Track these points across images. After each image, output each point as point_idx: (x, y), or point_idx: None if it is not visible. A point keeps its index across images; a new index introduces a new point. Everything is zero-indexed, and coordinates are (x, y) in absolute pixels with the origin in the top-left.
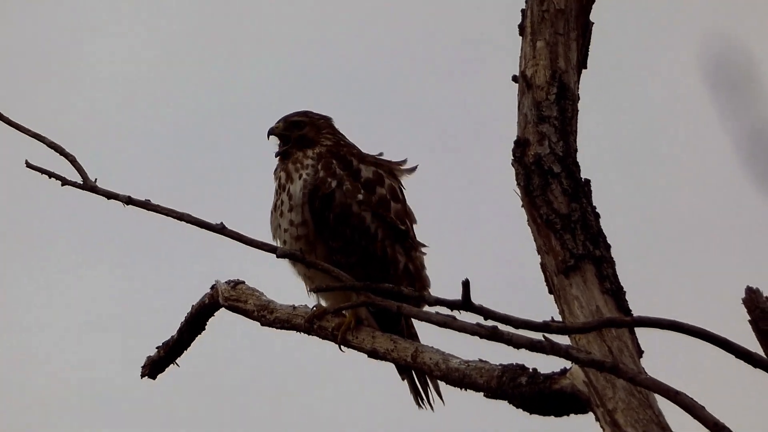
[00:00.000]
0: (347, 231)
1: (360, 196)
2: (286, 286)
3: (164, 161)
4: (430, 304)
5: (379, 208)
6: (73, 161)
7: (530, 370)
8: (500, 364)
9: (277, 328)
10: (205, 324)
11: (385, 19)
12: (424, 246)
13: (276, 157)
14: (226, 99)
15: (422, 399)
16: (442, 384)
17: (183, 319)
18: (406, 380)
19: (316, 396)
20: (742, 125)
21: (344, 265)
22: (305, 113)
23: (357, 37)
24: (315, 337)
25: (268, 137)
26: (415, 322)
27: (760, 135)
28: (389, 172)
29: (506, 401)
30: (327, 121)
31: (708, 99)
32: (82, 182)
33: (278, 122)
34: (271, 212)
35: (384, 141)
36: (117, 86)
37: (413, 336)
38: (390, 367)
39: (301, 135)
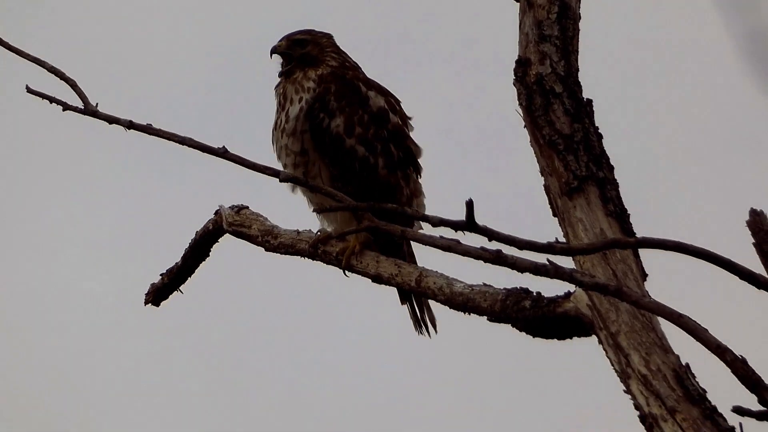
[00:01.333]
0: (345, 161)
1: (359, 129)
2: (290, 210)
3: (165, 85)
4: (434, 225)
5: (394, 138)
6: (73, 86)
7: (534, 294)
8: (504, 288)
9: (281, 253)
10: (210, 250)
11: None
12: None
13: (279, 77)
14: (227, 20)
15: (421, 325)
16: (445, 309)
17: (187, 245)
18: (406, 305)
19: (320, 321)
20: (744, 28)
21: (345, 193)
22: (308, 31)
23: None
24: (319, 262)
25: (271, 56)
26: (416, 247)
27: (762, 37)
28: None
29: (510, 325)
30: (329, 38)
31: (710, 6)
32: (83, 107)
33: (281, 40)
34: (272, 131)
35: (386, 63)
36: (117, 11)
37: (414, 261)
38: (392, 292)
39: (304, 53)
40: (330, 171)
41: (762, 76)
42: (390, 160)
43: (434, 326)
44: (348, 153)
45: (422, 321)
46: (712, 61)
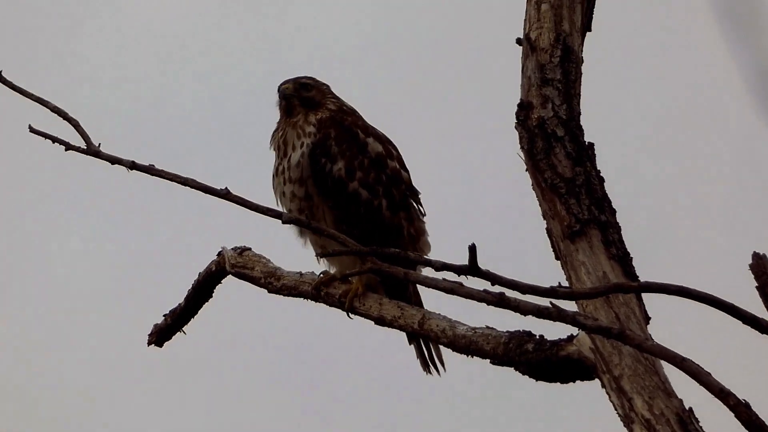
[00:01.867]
0: (349, 204)
1: (360, 173)
2: (293, 252)
3: (168, 126)
4: (437, 269)
5: (392, 183)
6: (76, 126)
7: (537, 337)
8: (507, 331)
9: (284, 295)
10: (212, 291)
11: None
12: (423, 215)
13: (284, 108)
14: (231, 65)
15: (429, 365)
16: (449, 351)
17: (190, 286)
18: (413, 345)
19: (324, 363)
20: (752, 65)
21: (349, 234)
22: (311, 77)
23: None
24: (322, 305)
25: (282, 99)
26: (420, 289)
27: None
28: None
29: (513, 368)
30: (328, 87)
31: (718, 41)
32: (85, 147)
33: (286, 83)
34: (273, 176)
35: (387, 105)
36: (121, 51)
37: (419, 304)
38: (398, 334)
39: (309, 97)
40: (334, 214)
41: None
42: (392, 202)
43: (442, 364)
44: (351, 196)
45: (430, 360)
46: (717, 103)
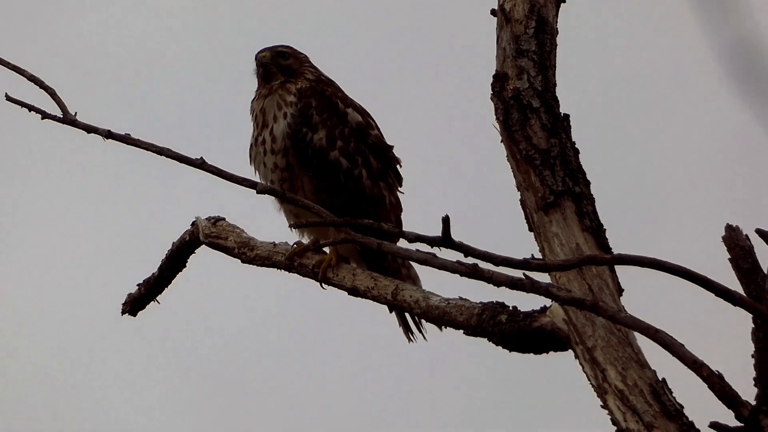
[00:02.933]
0: (331, 175)
1: (340, 143)
2: (267, 222)
3: (144, 95)
4: (410, 241)
5: (373, 152)
6: (52, 94)
7: (510, 308)
8: (480, 302)
9: (257, 265)
10: (186, 261)
11: None
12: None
13: (261, 74)
14: (206, 33)
15: (412, 332)
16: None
17: (164, 256)
18: (395, 313)
19: (297, 333)
20: (724, 39)
21: (329, 204)
22: (288, 46)
23: None
24: (296, 275)
25: (259, 68)
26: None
27: (742, 48)
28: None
29: (486, 339)
30: (305, 56)
31: (689, 14)
32: (62, 116)
33: (264, 51)
34: (251, 145)
35: (363, 76)
36: (98, 19)
37: (399, 273)
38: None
39: (286, 65)
40: (314, 184)
41: (743, 86)
42: (371, 172)
43: (424, 331)
44: (331, 165)
45: (416, 325)
46: (691, 74)
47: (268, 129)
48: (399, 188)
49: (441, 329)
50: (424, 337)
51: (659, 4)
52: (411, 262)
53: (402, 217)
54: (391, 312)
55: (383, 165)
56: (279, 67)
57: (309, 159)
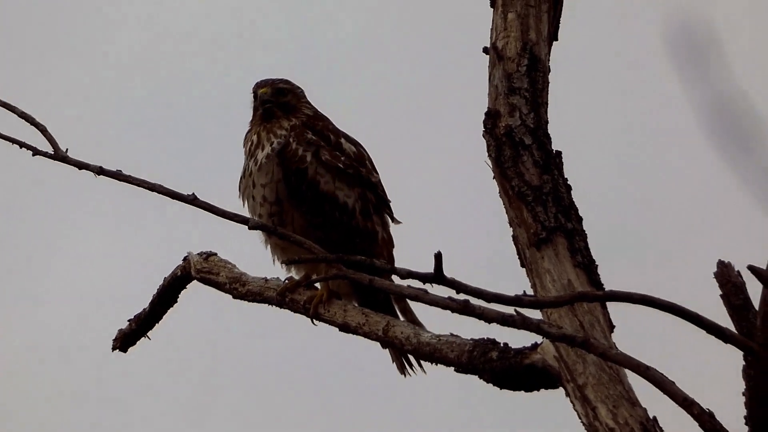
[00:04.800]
0: (325, 206)
1: (340, 164)
2: (259, 257)
3: (136, 131)
4: (402, 277)
5: (368, 177)
6: (43, 131)
7: (501, 345)
8: (471, 339)
9: (249, 300)
10: (178, 296)
11: None
12: (398, 222)
13: (261, 118)
14: (198, 68)
15: (405, 367)
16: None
17: (155, 291)
18: (388, 349)
19: (288, 369)
20: (706, 94)
21: (323, 240)
22: (287, 81)
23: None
24: (287, 311)
25: (261, 105)
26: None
27: (723, 103)
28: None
29: (477, 376)
30: (302, 91)
31: (672, 68)
32: (53, 152)
33: (264, 87)
34: (240, 179)
35: (355, 112)
36: (90, 57)
37: (404, 307)
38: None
39: (285, 102)
40: (307, 220)
41: (725, 139)
42: (366, 206)
43: (420, 366)
44: (327, 198)
45: (406, 361)
46: (683, 111)
47: (253, 159)
48: (395, 220)
49: (423, 371)
50: (423, 370)
51: (650, 42)
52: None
53: (394, 252)
54: (384, 347)
55: (377, 200)
56: (278, 105)
57: (302, 193)
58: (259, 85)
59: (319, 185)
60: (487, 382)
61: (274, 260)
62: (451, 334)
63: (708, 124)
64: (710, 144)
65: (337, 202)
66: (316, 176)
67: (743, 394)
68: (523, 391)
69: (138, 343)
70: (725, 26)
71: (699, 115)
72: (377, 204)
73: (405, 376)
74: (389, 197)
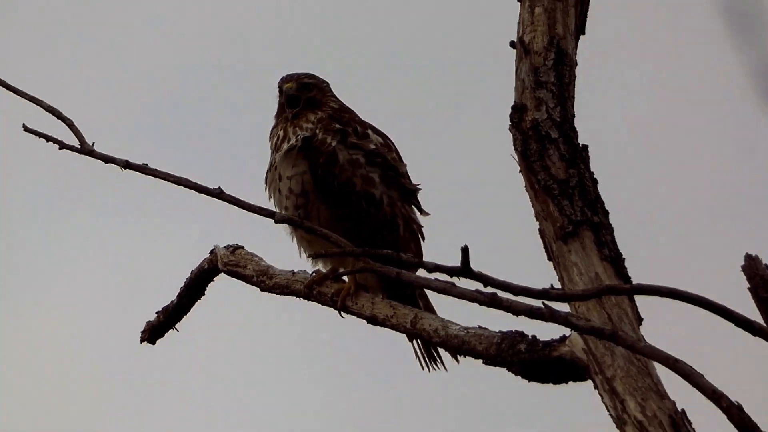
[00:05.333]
0: (353, 198)
1: (367, 147)
2: (285, 250)
3: (162, 125)
4: (429, 271)
5: (389, 171)
6: (70, 125)
7: (529, 337)
8: (499, 331)
9: (276, 293)
10: (205, 289)
11: None
12: (426, 213)
13: (290, 116)
14: (224, 63)
15: (430, 361)
16: (442, 351)
17: (182, 284)
18: (413, 343)
19: (315, 362)
20: (756, 62)
21: (351, 232)
22: (312, 75)
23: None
24: (314, 303)
25: (287, 101)
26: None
27: None
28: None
29: (505, 368)
30: (328, 84)
31: (723, 32)
32: (79, 146)
33: (290, 82)
34: (267, 172)
35: (382, 105)
36: (115, 49)
37: (426, 305)
38: (389, 333)
39: (311, 97)
40: (333, 212)
41: None
42: (392, 198)
43: (443, 362)
44: (354, 189)
45: (430, 357)
46: (710, 105)
47: (280, 151)
48: (423, 212)
49: (457, 361)
50: (445, 368)
51: (677, 35)
52: (429, 295)
53: (422, 245)
54: (410, 341)
55: (403, 192)
56: (304, 99)
57: (331, 187)
58: (284, 80)
59: (346, 174)
60: (516, 375)
61: (300, 253)
62: (479, 327)
63: (758, 92)
64: (752, 119)
65: (366, 192)
66: (344, 166)
67: None
68: (551, 384)
69: (166, 335)
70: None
71: (748, 81)
72: (405, 195)
73: (429, 371)
74: (417, 188)
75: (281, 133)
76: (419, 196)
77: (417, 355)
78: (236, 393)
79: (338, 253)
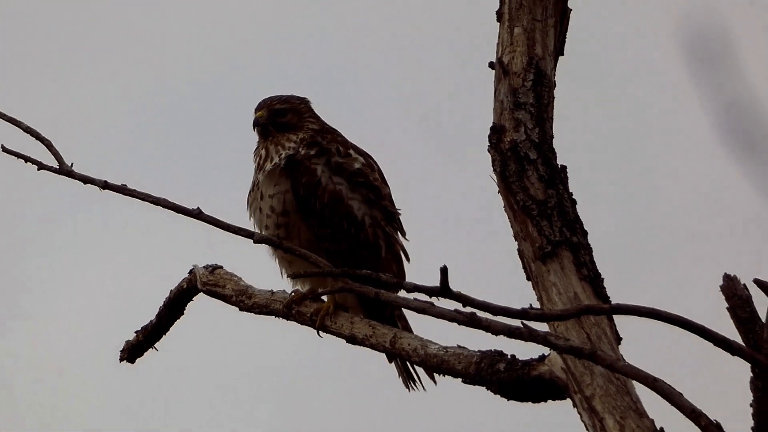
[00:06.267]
0: (335, 218)
1: (356, 165)
2: (265, 270)
3: (140, 145)
4: (408, 291)
5: (371, 193)
6: (49, 146)
7: (508, 357)
8: (479, 351)
9: (255, 313)
10: (184, 308)
11: (364, 5)
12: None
13: (254, 129)
14: (203, 80)
15: (412, 381)
16: (420, 370)
17: (161, 303)
18: (394, 363)
19: (295, 381)
20: (720, 100)
21: (332, 252)
22: (286, 99)
23: (333, 22)
24: (293, 323)
25: (255, 129)
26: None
27: (737, 109)
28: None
29: (484, 387)
30: (307, 104)
31: (686, 75)
32: (58, 167)
33: (261, 110)
34: (249, 192)
35: (361, 127)
36: (93, 70)
37: (405, 326)
38: (368, 353)
39: (284, 122)
40: (314, 232)
41: (737, 146)
42: (375, 219)
43: (432, 379)
44: (337, 209)
45: (413, 375)
46: (688, 125)
47: (262, 171)
48: (403, 236)
49: (434, 381)
50: (423, 387)
51: (656, 56)
52: (407, 316)
53: (405, 266)
54: (390, 362)
55: (385, 214)
56: (276, 126)
57: (313, 206)
58: (256, 108)
59: (328, 193)
60: (495, 394)
61: (282, 273)
62: (459, 346)
63: (721, 131)
64: (722, 152)
65: (349, 212)
66: (327, 185)
67: (750, 405)
68: (530, 402)
69: (145, 354)
70: (740, 30)
71: (712, 120)
72: (387, 217)
73: (410, 390)
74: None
75: (263, 152)
76: (400, 218)
77: (399, 375)
78: (215, 412)
79: (316, 274)
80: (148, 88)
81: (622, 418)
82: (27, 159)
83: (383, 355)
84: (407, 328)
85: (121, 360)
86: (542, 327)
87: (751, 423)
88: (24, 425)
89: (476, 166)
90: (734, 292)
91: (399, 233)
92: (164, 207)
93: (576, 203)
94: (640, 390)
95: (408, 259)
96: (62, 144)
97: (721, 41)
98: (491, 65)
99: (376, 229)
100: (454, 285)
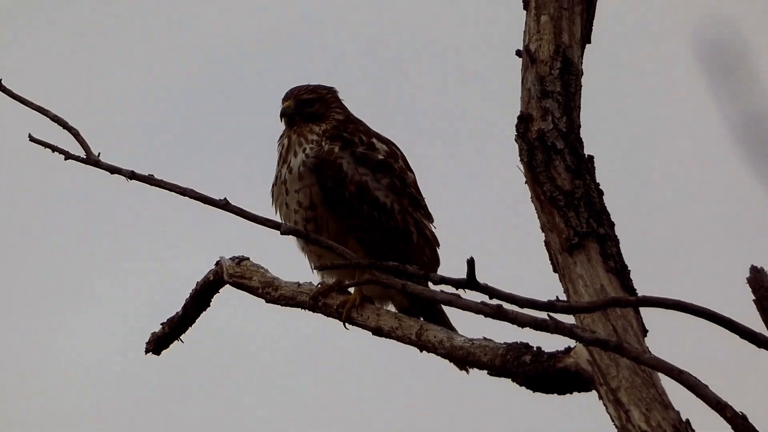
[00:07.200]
0: (364, 207)
1: (379, 156)
2: (291, 262)
3: (168, 135)
4: (435, 283)
5: (397, 180)
6: (76, 135)
7: (534, 349)
8: (504, 343)
9: (281, 305)
10: (210, 300)
11: None
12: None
13: (281, 120)
14: (230, 71)
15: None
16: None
17: (188, 295)
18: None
19: (321, 373)
20: (737, 109)
21: (363, 242)
22: (313, 89)
23: (360, 11)
24: (320, 315)
25: (282, 119)
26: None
27: (754, 119)
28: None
29: (510, 379)
30: (334, 93)
31: (704, 83)
32: (85, 156)
33: (288, 101)
34: (273, 185)
35: (386, 117)
36: (121, 60)
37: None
38: (394, 345)
39: (311, 112)
40: (342, 223)
41: (755, 160)
42: (403, 206)
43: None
44: (365, 198)
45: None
46: (711, 123)
47: (286, 165)
48: (431, 223)
49: (467, 371)
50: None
51: (683, 45)
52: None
53: (438, 252)
54: (421, 351)
55: (412, 201)
56: (303, 116)
57: (341, 196)
58: (283, 98)
59: (354, 184)
60: (521, 385)
61: (311, 267)
62: (485, 338)
63: (738, 139)
64: (739, 155)
65: (376, 201)
66: (353, 176)
67: None
68: (556, 394)
69: (171, 346)
70: (757, 40)
71: (729, 128)
72: (413, 203)
73: (468, 372)
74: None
75: (285, 142)
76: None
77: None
78: (241, 404)
79: (343, 266)
80: (174, 78)
81: (647, 410)
82: (54, 148)
83: (410, 347)
84: (447, 323)
85: (147, 351)
86: (568, 319)
87: None
88: (48, 415)
89: (503, 156)
90: (761, 284)
91: (426, 220)
92: (191, 197)
93: (603, 194)
94: (666, 382)
95: (438, 245)
96: (90, 133)
97: (739, 50)
98: (518, 53)
99: (405, 215)
100: (481, 277)
